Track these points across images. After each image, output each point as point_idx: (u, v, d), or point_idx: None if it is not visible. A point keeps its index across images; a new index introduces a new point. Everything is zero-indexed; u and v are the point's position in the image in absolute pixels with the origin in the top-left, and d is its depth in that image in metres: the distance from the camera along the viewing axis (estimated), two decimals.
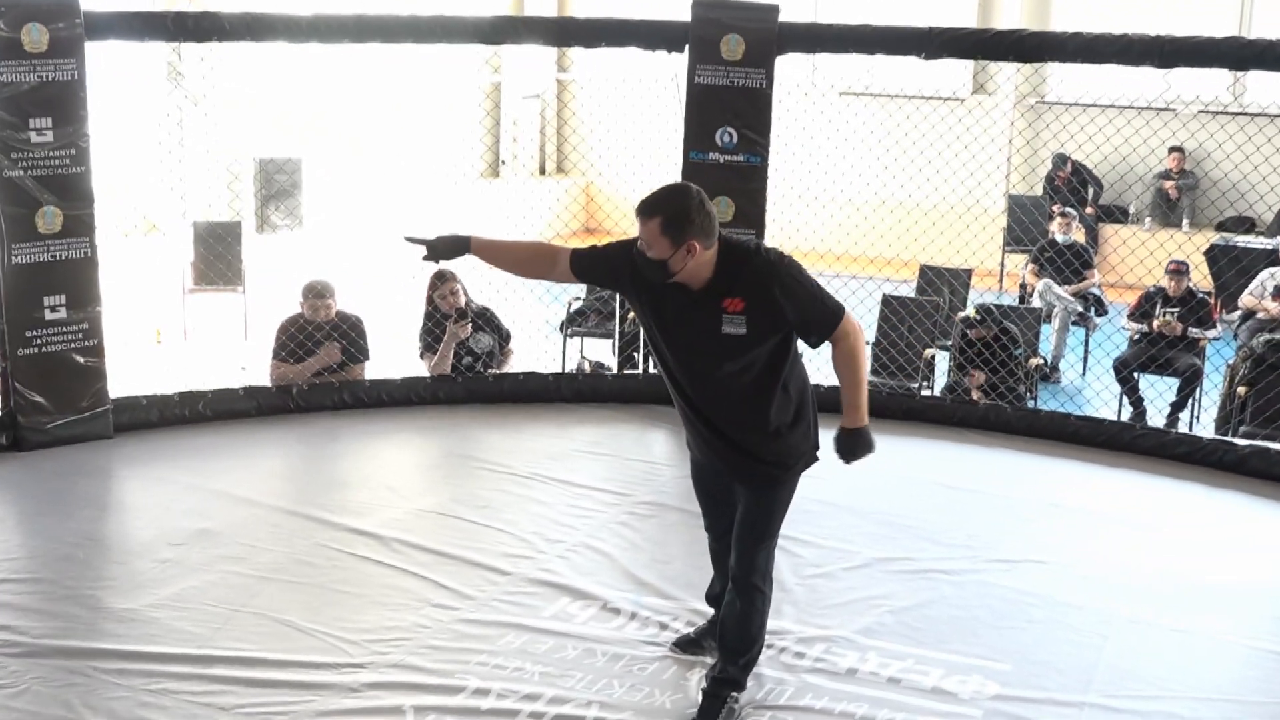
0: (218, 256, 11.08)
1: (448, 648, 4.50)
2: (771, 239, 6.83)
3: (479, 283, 7.74)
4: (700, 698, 4.14)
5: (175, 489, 5.93)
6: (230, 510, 5.65)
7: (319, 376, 7.22)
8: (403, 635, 4.58)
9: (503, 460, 6.36)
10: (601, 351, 9.49)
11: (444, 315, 7.47)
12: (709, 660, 4.33)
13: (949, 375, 8.91)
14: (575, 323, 9.77)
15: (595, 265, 4.08)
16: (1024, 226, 12.87)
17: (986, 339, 8.51)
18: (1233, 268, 11.40)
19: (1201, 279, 11.24)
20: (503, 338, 7.66)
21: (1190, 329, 9.22)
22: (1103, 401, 9.15)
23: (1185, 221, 13.88)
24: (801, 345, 3.94)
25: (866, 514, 5.76)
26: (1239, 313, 10.42)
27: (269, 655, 4.41)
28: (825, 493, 5.44)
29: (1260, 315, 10.02)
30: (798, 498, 4.08)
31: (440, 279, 7.46)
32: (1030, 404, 8.46)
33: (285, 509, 5.69)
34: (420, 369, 7.57)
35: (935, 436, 6.96)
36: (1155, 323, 9.27)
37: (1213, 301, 10.61)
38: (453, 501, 5.83)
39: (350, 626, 4.62)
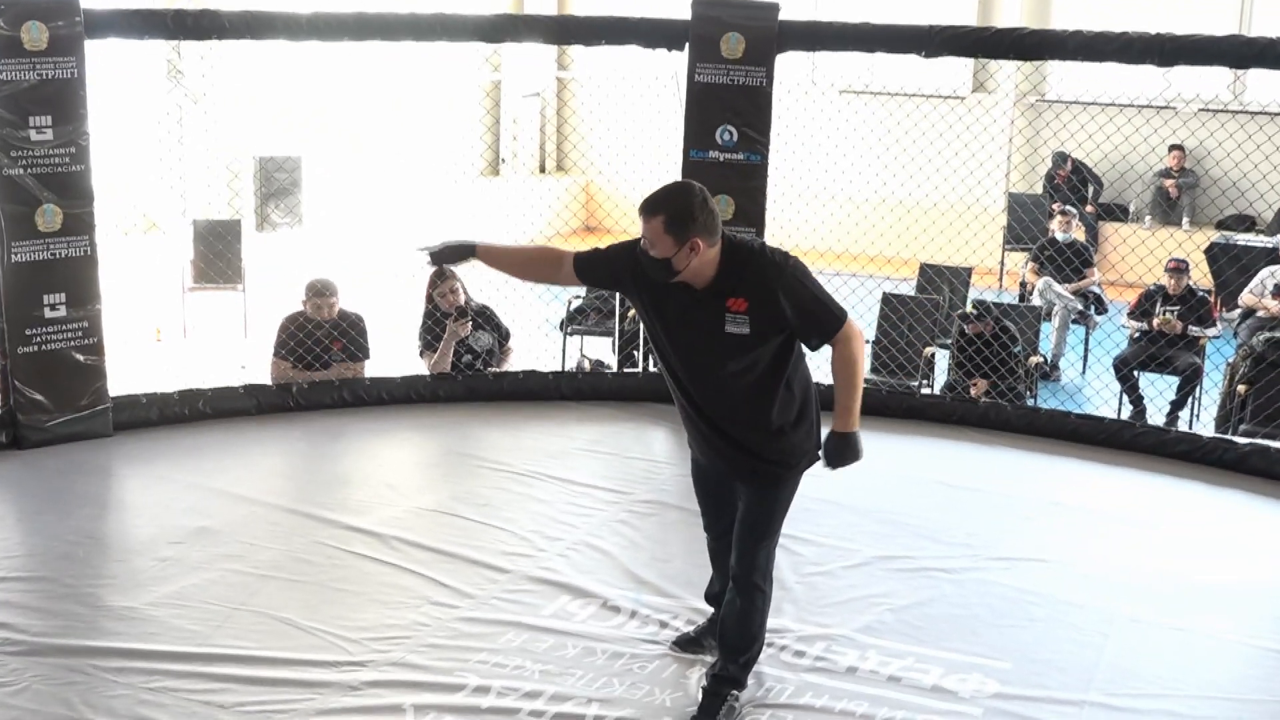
0: (217, 255, 11.08)
1: (447, 646, 4.50)
2: (771, 237, 6.83)
3: (478, 281, 7.74)
4: (700, 696, 4.14)
5: (175, 487, 5.93)
6: (230, 508, 5.65)
7: (319, 375, 7.21)
8: (402, 633, 4.57)
9: (502, 458, 6.36)
10: (601, 350, 9.49)
11: (444, 314, 7.47)
12: (709, 659, 4.33)
13: (949, 374, 8.91)
14: (575, 321, 9.76)
15: (598, 267, 4.08)
16: (1024, 225, 12.87)
17: (984, 334, 8.51)
18: (1233, 266, 11.40)
19: (1201, 277, 11.25)
20: (502, 336, 7.66)
21: (1190, 327, 9.22)
22: (1103, 400, 9.15)
23: (1185, 220, 13.88)
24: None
25: (867, 512, 5.76)
26: (1239, 311, 10.41)
27: (268, 653, 4.40)
28: (825, 491, 5.43)
29: (1260, 313, 10.01)
30: (798, 496, 4.08)
31: (440, 277, 7.45)
32: (1030, 402, 8.45)
33: (285, 507, 5.69)
34: (420, 367, 7.57)
35: (935, 435, 6.96)
36: (1155, 321, 9.27)
37: (1213, 300, 10.62)
38: (452, 500, 5.83)
39: (350, 625, 4.62)
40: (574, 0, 16.34)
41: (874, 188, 12.94)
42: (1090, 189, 14.18)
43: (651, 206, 3.73)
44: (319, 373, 7.22)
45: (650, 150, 9.03)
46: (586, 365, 9.05)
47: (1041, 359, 9.52)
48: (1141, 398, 9.11)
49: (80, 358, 6.45)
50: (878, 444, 6.71)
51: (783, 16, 6.75)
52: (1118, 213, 14.17)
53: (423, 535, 5.39)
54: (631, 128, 11.02)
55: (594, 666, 4.39)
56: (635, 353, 8.35)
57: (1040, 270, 10.96)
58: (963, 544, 5.50)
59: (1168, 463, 6.64)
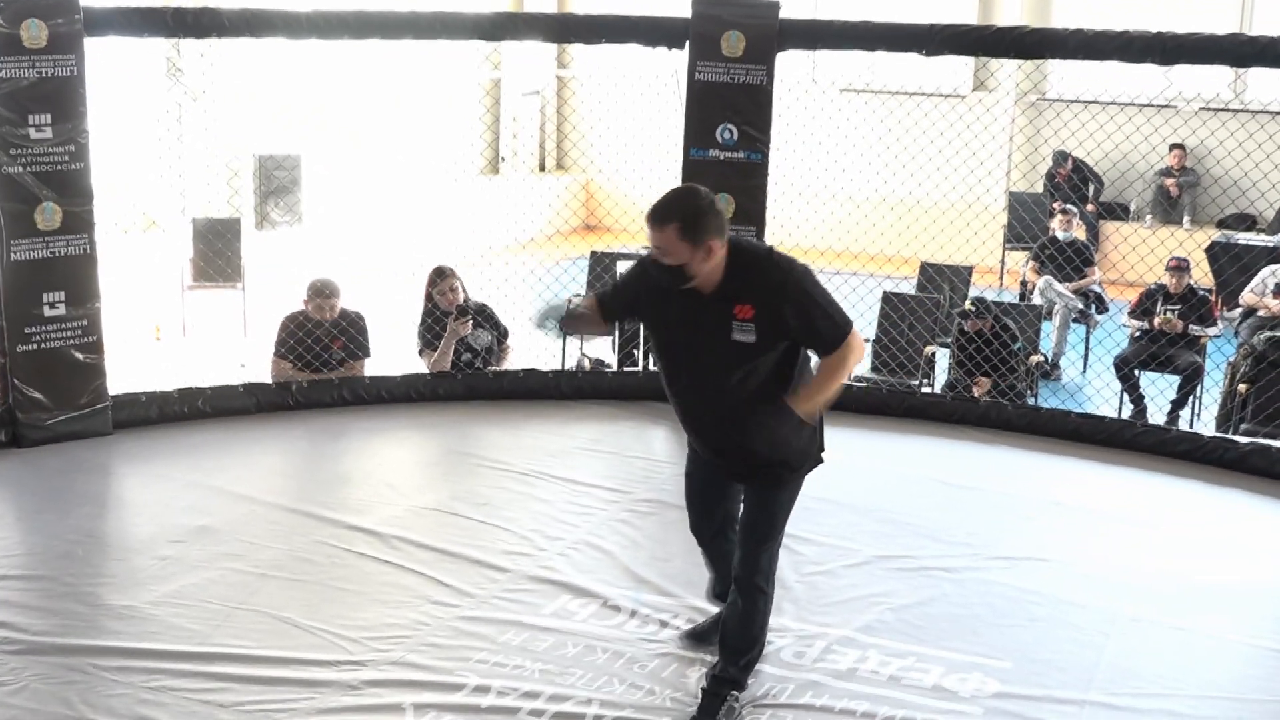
0: (217, 253, 11.07)
1: (447, 645, 4.50)
2: (771, 236, 6.83)
3: (477, 279, 7.72)
4: (700, 696, 4.14)
5: (174, 486, 5.93)
6: (230, 507, 5.65)
7: (319, 374, 7.20)
8: (402, 633, 4.57)
9: (502, 457, 6.36)
10: (601, 348, 9.48)
11: (443, 312, 7.46)
12: (710, 658, 4.32)
13: (949, 372, 8.91)
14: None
15: (618, 304, 4.17)
16: (1025, 223, 12.87)
17: (984, 332, 8.50)
18: (1233, 265, 11.40)
19: (1202, 276, 11.24)
20: (501, 334, 7.65)
21: (1191, 326, 9.21)
22: (1103, 399, 9.14)
23: (1186, 219, 13.87)
24: None
25: (867, 511, 5.76)
26: (1240, 310, 10.41)
27: (268, 652, 4.40)
28: (826, 490, 5.41)
29: (1261, 312, 10.01)
30: (799, 495, 4.07)
31: (439, 275, 7.45)
32: (1031, 401, 8.45)
33: (285, 506, 5.68)
34: (420, 366, 7.56)
35: (936, 434, 6.95)
36: (1156, 320, 9.26)
37: (1213, 299, 10.60)
38: (452, 499, 5.82)
39: (350, 624, 4.61)
40: None
41: (874, 186, 12.93)
42: (1091, 188, 14.17)
43: (662, 215, 3.71)
44: (320, 374, 7.21)
45: (650, 149, 9.01)
46: (586, 364, 9.04)
47: (1042, 358, 9.51)
48: (1142, 397, 9.11)
49: (80, 356, 6.44)
50: (878, 443, 6.79)
51: (783, 15, 6.75)
52: (1118, 211, 14.17)
53: (423, 534, 5.39)
54: (632, 126, 11.01)
55: (594, 666, 4.39)
56: (635, 351, 8.35)
57: (1041, 269, 10.96)
58: (963, 543, 5.50)
59: (1168, 462, 6.63)
